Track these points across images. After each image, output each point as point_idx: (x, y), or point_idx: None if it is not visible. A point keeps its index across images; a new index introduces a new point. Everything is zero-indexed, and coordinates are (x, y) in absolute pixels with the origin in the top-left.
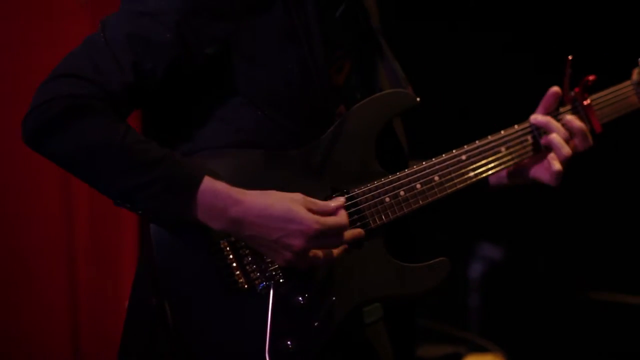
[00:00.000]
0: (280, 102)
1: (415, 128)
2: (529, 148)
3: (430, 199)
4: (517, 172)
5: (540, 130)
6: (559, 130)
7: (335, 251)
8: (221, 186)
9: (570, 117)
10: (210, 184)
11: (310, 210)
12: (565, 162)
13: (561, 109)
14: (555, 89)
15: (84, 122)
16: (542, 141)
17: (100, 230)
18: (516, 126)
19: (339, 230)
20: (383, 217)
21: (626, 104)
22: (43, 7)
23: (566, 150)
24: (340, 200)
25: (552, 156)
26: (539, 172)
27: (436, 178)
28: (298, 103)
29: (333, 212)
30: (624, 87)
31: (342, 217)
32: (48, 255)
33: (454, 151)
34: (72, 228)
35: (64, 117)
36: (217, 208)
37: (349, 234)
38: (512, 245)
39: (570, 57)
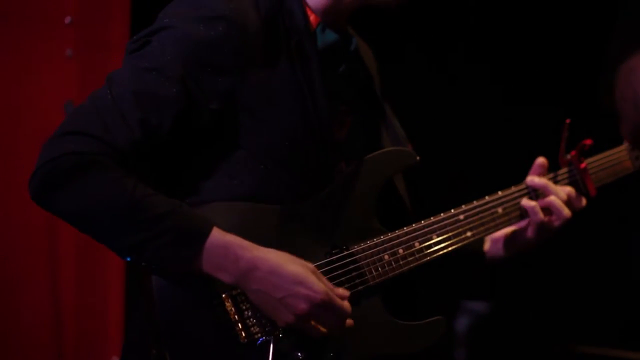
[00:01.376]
0: (282, 157)
1: (417, 185)
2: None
3: (428, 258)
4: (513, 239)
5: (536, 192)
6: (557, 193)
7: (334, 330)
8: (232, 238)
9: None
10: (219, 236)
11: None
12: (563, 224)
13: (557, 172)
14: (541, 159)
15: (92, 178)
16: (541, 204)
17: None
18: (513, 187)
19: (341, 313)
20: (382, 274)
21: (620, 168)
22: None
23: (566, 212)
24: (346, 292)
25: (551, 219)
26: (533, 235)
27: (434, 237)
28: (300, 158)
29: (341, 295)
30: (618, 152)
31: (347, 304)
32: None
33: (452, 210)
34: (56, 283)
35: (71, 174)
36: (229, 259)
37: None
38: (499, 299)
39: (568, 121)
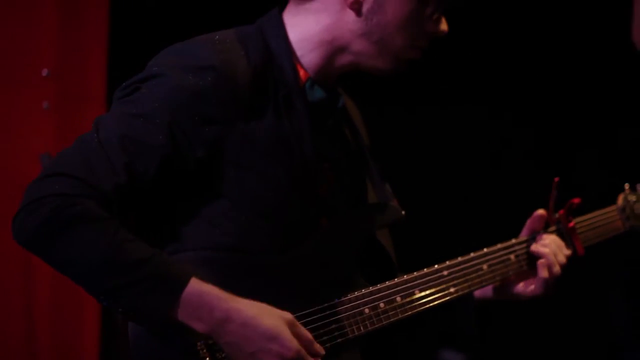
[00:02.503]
0: (265, 209)
1: (402, 239)
2: (512, 267)
3: (409, 313)
4: (501, 288)
5: (520, 253)
6: (546, 253)
7: None
8: (209, 288)
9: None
10: (197, 285)
11: (296, 335)
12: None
13: (546, 230)
14: (541, 211)
15: (73, 220)
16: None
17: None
18: (499, 245)
19: None
20: (362, 327)
21: (610, 228)
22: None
23: (556, 269)
24: (321, 350)
25: (539, 277)
26: (522, 290)
27: (417, 292)
28: (283, 211)
29: (315, 353)
30: (609, 212)
31: None
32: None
33: (436, 266)
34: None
35: (53, 215)
36: (204, 309)
37: None
38: (475, 353)
39: (556, 179)
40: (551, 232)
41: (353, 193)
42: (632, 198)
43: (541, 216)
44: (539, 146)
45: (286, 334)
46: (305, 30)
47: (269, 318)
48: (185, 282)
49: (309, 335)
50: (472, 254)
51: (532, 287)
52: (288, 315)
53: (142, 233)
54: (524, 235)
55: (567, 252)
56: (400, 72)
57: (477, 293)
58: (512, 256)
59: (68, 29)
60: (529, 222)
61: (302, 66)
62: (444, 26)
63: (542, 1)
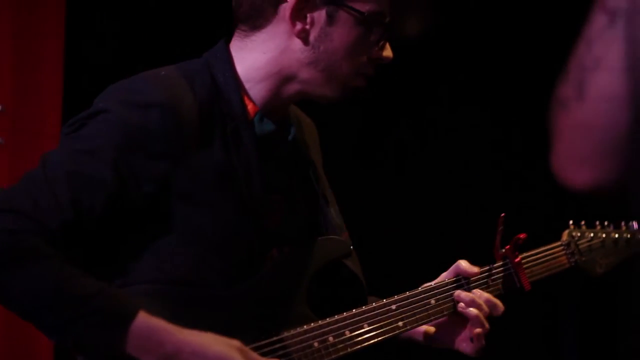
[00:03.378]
0: (214, 243)
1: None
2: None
3: (358, 346)
4: (435, 335)
5: (470, 285)
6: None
7: None
8: (156, 321)
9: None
10: (145, 319)
11: (247, 359)
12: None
13: (492, 265)
14: (463, 264)
15: (20, 258)
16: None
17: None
18: (447, 280)
19: None
20: None
21: (556, 264)
22: None
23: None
24: None
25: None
26: (457, 340)
27: (365, 326)
28: (231, 245)
29: None
30: (555, 247)
31: None
32: None
33: (384, 300)
34: None
35: None
36: (153, 342)
37: None
38: None
39: (502, 215)
40: (498, 268)
41: (304, 225)
42: (577, 234)
43: (462, 270)
44: (487, 182)
45: (237, 356)
46: (252, 62)
47: (218, 345)
48: (133, 315)
49: (260, 358)
50: (420, 289)
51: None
52: (237, 342)
53: (91, 268)
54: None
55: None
56: (347, 99)
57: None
58: (458, 291)
59: (23, 64)
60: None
61: (250, 99)
62: (388, 52)
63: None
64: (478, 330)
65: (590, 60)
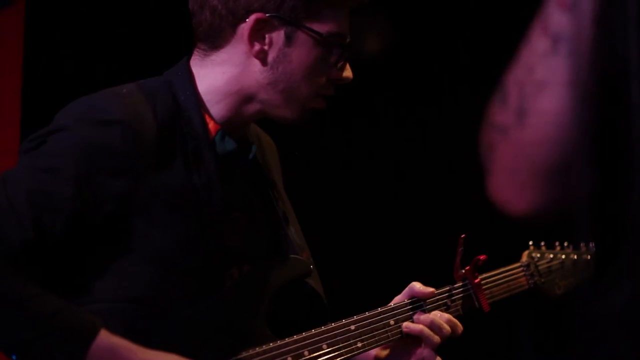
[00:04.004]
0: (174, 262)
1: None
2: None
3: None
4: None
5: (430, 307)
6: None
7: None
8: (119, 340)
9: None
10: (106, 338)
11: None
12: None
13: (453, 286)
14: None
15: None
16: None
17: None
18: (406, 300)
19: None
20: None
21: (515, 285)
22: None
23: (436, 339)
24: None
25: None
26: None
27: (324, 346)
28: (191, 264)
29: None
30: (514, 269)
31: None
32: None
33: (343, 320)
34: None
35: None
36: None
37: None
38: None
39: (463, 236)
40: (457, 289)
41: (264, 244)
42: (536, 255)
43: (416, 292)
44: (447, 203)
45: None
46: (212, 81)
47: None
48: (94, 334)
49: None
50: (379, 309)
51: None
52: None
53: (52, 287)
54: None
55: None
56: (306, 121)
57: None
58: (418, 313)
59: None
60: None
61: (211, 117)
62: (348, 73)
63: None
64: (428, 351)
65: (532, 85)
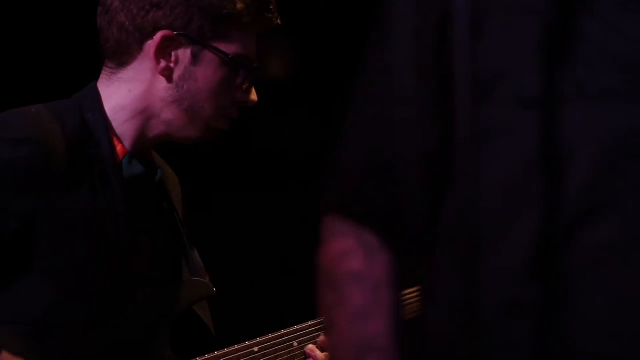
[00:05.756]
0: (77, 284)
1: (213, 316)
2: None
3: None
4: None
5: None
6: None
7: None
8: None
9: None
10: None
11: None
12: None
13: None
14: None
15: None
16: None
17: None
18: (310, 322)
19: None
20: None
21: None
22: None
23: None
24: None
25: None
26: None
27: None
28: (95, 286)
29: None
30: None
31: None
32: None
33: (246, 342)
34: None
35: None
36: None
37: None
38: None
39: None
40: None
41: (168, 267)
42: None
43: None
44: None
45: None
46: (119, 100)
47: None
48: None
49: None
50: (282, 331)
51: None
52: None
53: None
54: None
55: None
56: (210, 141)
57: None
58: (322, 335)
59: None
60: None
61: (119, 140)
62: (253, 96)
63: None
64: None
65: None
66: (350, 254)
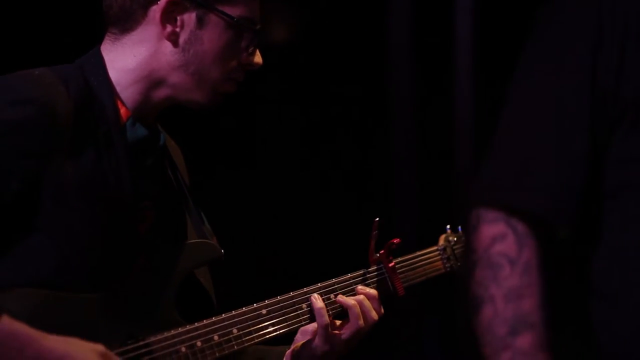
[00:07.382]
0: (81, 245)
1: (221, 279)
2: (331, 307)
3: (227, 352)
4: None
5: (339, 292)
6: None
7: None
8: (19, 326)
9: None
10: (8, 323)
11: None
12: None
13: (367, 270)
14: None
15: None
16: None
17: None
18: (319, 284)
19: None
20: None
21: (431, 268)
22: None
23: (361, 322)
24: None
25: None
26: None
27: (235, 331)
28: (99, 248)
29: None
30: (430, 252)
31: None
32: None
33: (254, 305)
34: None
35: None
36: (14, 348)
37: None
38: None
39: (377, 219)
40: (372, 272)
41: (173, 231)
42: (453, 239)
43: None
44: (360, 184)
45: None
46: (123, 65)
47: (81, 352)
48: None
49: None
50: (291, 293)
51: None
52: (101, 347)
53: None
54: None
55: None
56: (217, 105)
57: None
58: (332, 295)
59: None
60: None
61: (123, 103)
62: (258, 59)
63: None
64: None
65: None
66: (503, 238)
